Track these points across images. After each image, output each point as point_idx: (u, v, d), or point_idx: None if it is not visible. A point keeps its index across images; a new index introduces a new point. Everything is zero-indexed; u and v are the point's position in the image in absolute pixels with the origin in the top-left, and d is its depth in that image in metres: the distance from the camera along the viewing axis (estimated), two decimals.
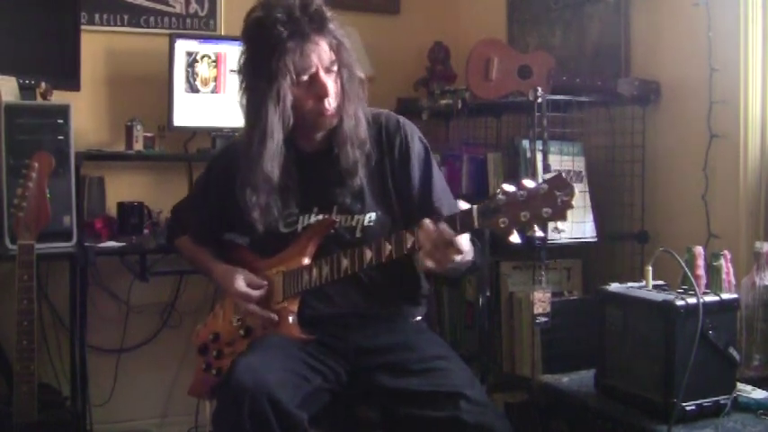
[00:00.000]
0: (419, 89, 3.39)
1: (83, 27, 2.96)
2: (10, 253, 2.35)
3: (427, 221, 1.64)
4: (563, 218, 1.51)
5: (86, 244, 2.68)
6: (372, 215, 1.92)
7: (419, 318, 2.04)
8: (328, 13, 1.82)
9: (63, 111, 2.54)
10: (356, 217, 1.92)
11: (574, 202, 1.49)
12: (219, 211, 2.06)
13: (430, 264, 1.65)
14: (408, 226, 1.77)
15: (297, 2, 1.78)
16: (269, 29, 1.77)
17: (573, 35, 2.93)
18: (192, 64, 3.06)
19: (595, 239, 2.61)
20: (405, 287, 2.00)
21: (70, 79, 2.87)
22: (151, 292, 3.17)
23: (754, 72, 2.31)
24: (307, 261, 1.90)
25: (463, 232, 1.61)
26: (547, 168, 2.50)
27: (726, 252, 2.09)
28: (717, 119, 2.37)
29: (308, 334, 1.89)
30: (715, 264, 2.06)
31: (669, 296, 1.85)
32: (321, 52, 1.80)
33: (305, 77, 1.81)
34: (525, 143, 2.60)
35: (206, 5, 3.27)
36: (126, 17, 3.15)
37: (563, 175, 1.56)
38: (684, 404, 1.79)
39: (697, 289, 1.85)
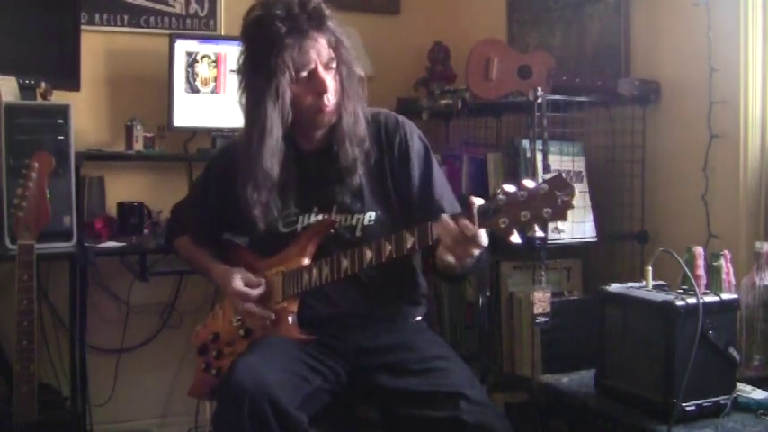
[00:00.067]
0: (419, 89, 3.39)
1: (83, 27, 2.96)
2: (10, 253, 2.35)
3: (446, 217, 1.63)
4: (563, 218, 1.51)
5: (86, 244, 2.68)
6: (372, 214, 1.92)
7: (419, 318, 2.04)
8: (327, 11, 1.82)
9: (63, 111, 2.54)
10: (356, 216, 1.92)
11: (574, 203, 1.49)
12: (219, 211, 2.06)
13: (450, 258, 1.65)
14: (409, 225, 1.77)
15: (296, 0, 1.79)
16: (267, 25, 1.77)
17: (573, 35, 2.93)
18: (191, 64, 3.06)
19: (595, 239, 2.61)
20: (404, 287, 2.00)
21: (70, 79, 2.87)
22: (151, 292, 3.17)
23: (754, 72, 2.31)
24: (306, 261, 1.90)
25: (483, 226, 1.59)
26: (547, 168, 2.50)
27: (726, 252, 2.09)
28: (717, 119, 2.37)
29: (307, 334, 1.89)
30: (715, 264, 2.06)
31: (669, 296, 1.85)
32: (320, 49, 1.81)
33: (304, 74, 1.81)
34: (525, 143, 2.60)
35: (206, 5, 3.27)
36: (126, 17, 3.15)
37: (563, 175, 1.56)
38: (684, 404, 1.78)
39: (697, 289, 1.85)
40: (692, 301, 1.81)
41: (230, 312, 2.06)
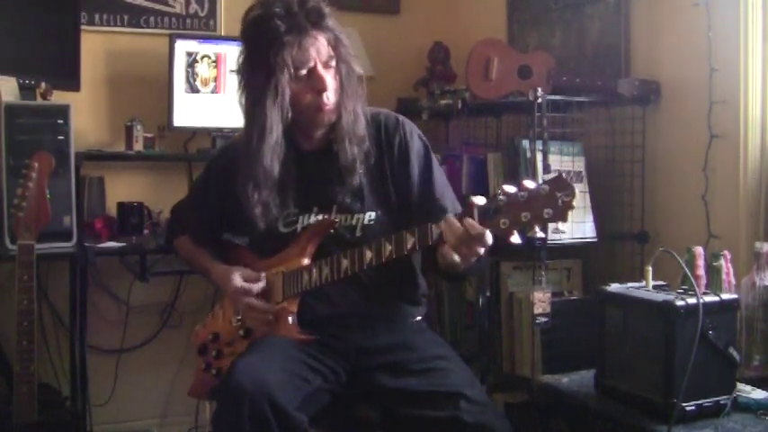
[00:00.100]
0: (419, 89, 3.39)
1: (83, 27, 2.96)
2: (10, 253, 2.35)
3: (451, 216, 1.63)
4: (564, 219, 1.51)
5: (86, 244, 2.68)
6: (372, 214, 1.92)
7: (419, 318, 2.04)
8: (326, 9, 1.82)
9: (63, 111, 2.54)
10: (356, 216, 1.92)
11: (575, 203, 1.49)
12: (219, 211, 2.06)
13: (455, 257, 1.66)
14: (409, 225, 1.77)
15: None
16: (267, 23, 1.78)
17: (573, 35, 2.93)
18: (191, 64, 3.06)
19: (595, 239, 2.61)
20: (404, 287, 2.00)
21: (70, 79, 2.87)
22: (151, 292, 3.17)
23: (754, 72, 2.31)
24: (306, 261, 1.90)
25: (483, 226, 1.59)
26: (547, 168, 2.50)
27: (726, 252, 2.09)
28: (717, 119, 2.37)
29: (307, 334, 1.89)
30: (715, 264, 2.06)
31: (669, 296, 1.85)
32: (319, 47, 1.81)
33: (303, 72, 1.81)
34: (525, 143, 2.60)
35: (206, 5, 3.27)
36: (126, 17, 3.15)
37: (563, 175, 1.56)
38: (684, 404, 1.79)
39: (697, 289, 1.85)
40: (692, 301, 1.81)
41: (230, 312, 2.06)
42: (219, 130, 3.10)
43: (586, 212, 2.60)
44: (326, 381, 1.85)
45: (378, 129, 1.95)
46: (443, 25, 3.57)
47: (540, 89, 2.49)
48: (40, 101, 2.66)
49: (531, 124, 2.51)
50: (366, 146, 1.90)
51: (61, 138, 2.52)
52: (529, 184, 1.54)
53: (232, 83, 2.97)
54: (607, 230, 2.66)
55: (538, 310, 2.46)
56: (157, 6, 3.20)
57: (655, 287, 1.95)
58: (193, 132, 3.18)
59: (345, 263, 1.81)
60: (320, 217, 1.92)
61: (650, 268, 1.98)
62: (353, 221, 1.92)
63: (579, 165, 2.64)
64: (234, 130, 2.95)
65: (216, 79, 3.10)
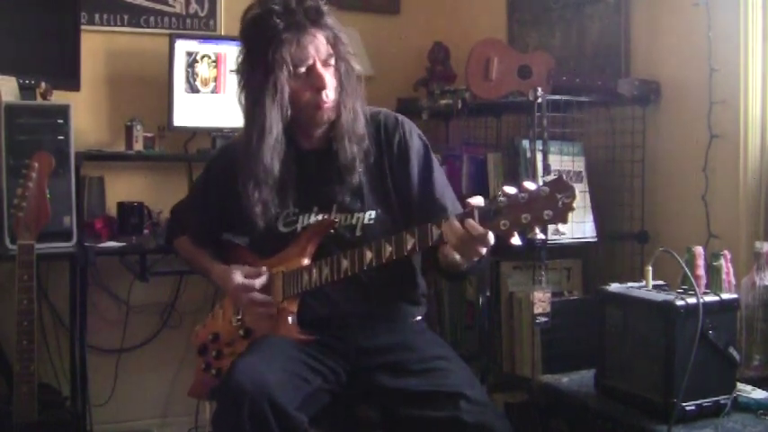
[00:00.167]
0: (419, 89, 3.39)
1: (83, 27, 2.96)
2: (10, 253, 2.35)
3: (452, 217, 1.62)
4: (564, 220, 1.51)
5: (86, 244, 2.68)
6: (372, 213, 1.92)
7: (419, 317, 2.04)
8: (325, 8, 1.82)
9: (63, 111, 2.54)
10: (356, 215, 1.92)
11: (575, 205, 1.49)
12: (219, 211, 2.06)
13: (457, 257, 1.66)
14: (409, 224, 1.77)
15: None
16: (265, 21, 1.78)
17: (573, 35, 2.93)
18: (191, 64, 3.06)
19: (595, 239, 2.61)
20: (404, 287, 2.00)
21: (70, 79, 2.87)
22: (151, 292, 3.17)
23: (754, 72, 2.31)
24: (306, 261, 1.90)
25: (485, 227, 1.58)
26: (547, 168, 2.50)
27: (726, 252, 2.09)
28: (717, 119, 2.37)
29: (307, 335, 1.89)
30: (715, 264, 2.06)
31: (669, 296, 1.85)
32: (318, 44, 1.81)
33: (302, 69, 1.81)
34: (525, 143, 2.60)
35: (206, 5, 3.27)
36: (126, 17, 3.15)
37: (564, 177, 1.56)
38: (684, 404, 1.79)
39: (697, 289, 1.85)
40: (692, 301, 1.81)
41: (230, 312, 2.06)
42: (219, 130, 3.10)
43: (586, 212, 2.60)
44: (326, 381, 1.85)
45: (377, 128, 1.95)
46: (443, 25, 3.57)
47: (540, 89, 2.49)
48: (40, 101, 2.66)
49: (531, 124, 2.51)
50: (366, 144, 1.90)
51: (61, 138, 2.52)
52: (529, 185, 1.53)
53: (232, 83, 2.97)
54: (607, 230, 2.66)
55: (538, 309, 2.46)
56: (157, 6, 3.20)
57: (655, 287, 1.95)
58: (193, 132, 3.18)
59: (345, 263, 1.81)
60: (320, 217, 1.92)
61: (650, 268, 1.98)
62: (353, 221, 1.92)
63: (579, 165, 2.64)
64: (234, 129, 2.95)
65: (216, 79, 3.10)
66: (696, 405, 1.80)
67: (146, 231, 2.94)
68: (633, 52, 2.69)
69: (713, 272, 2.06)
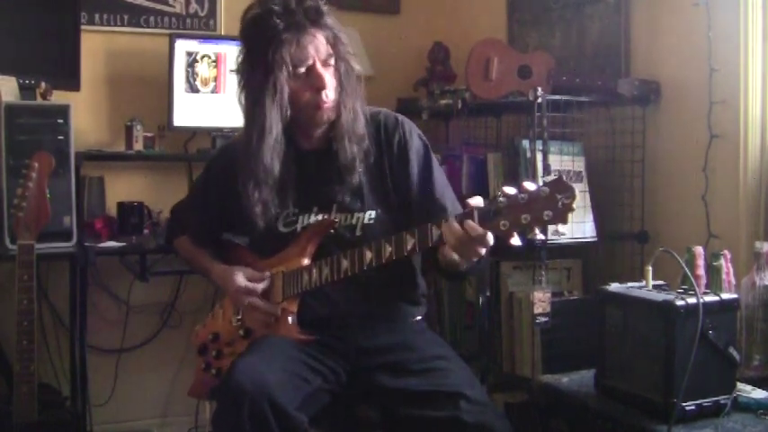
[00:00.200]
0: (419, 89, 3.39)
1: (83, 27, 2.96)
2: (10, 253, 2.35)
3: (451, 218, 1.62)
4: (564, 221, 1.51)
5: (86, 244, 2.68)
6: (372, 213, 1.92)
7: (419, 317, 2.04)
8: (324, 8, 1.82)
9: (63, 111, 2.54)
10: (356, 215, 1.92)
11: (575, 206, 1.49)
12: (219, 211, 2.06)
13: (456, 256, 1.66)
14: (409, 224, 1.77)
15: None
16: (265, 21, 1.78)
17: (573, 35, 2.93)
18: (191, 64, 3.06)
19: (595, 239, 2.61)
20: (404, 287, 2.00)
21: (70, 79, 2.87)
22: (151, 292, 3.17)
23: (754, 72, 2.31)
24: (306, 261, 1.90)
25: (485, 228, 1.59)
26: (547, 168, 2.50)
27: (726, 252, 2.09)
28: (717, 119, 2.37)
29: (307, 335, 1.89)
30: (715, 264, 2.06)
31: (669, 296, 1.85)
32: (318, 44, 1.81)
33: (302, 69, 1.81)
34: (525, 143, 2.60)
35: (206, 5, 3.26)
36: (126, 17, 3.15)
37: (564, 177, 1.56)
38: (684, 404, 1.79)
39: (697, 289, 1.85)
40: (692, 300, 1.81)
41: (230, 312, 2.05)
42: (219, 129, 3.10)
43: (586, 212, 2.60)
44: (326, 381, 1.85)
45: (377, 128, 1.95)
46: (443, 25, 3.57)
47: (540, 89, 2.49)
48: (40, 101, 2.66)
49: (531, 124, 2.51)
50: (366, 144, 1.90)
51: (61, 138, 2.52)
52: (529, 185, 1.53)
53: (232, 83, 2.97)
54: (607, 230, 2.66)
55: (538, 309, 2.46)
56: (157, 6, 3.20)
57: (655, 287, 1.95)
58: (193, 132, 3.18)
59: (345, 263, 1.81)
60: (320, 217, 1.92)
61: (650, 268, 1.98)
62: (353, 221, 1.92)
63: (579, 165, 2.64)
64: (234, 129, 2.95)
65: (216, 79, 3.10)
66: (696, 405, 1.81)
67: (146, 231, 2.94)
68: (633, 52, 2.69)
69: (713, 272, 2.06)
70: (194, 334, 2.16)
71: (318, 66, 1.82)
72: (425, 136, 2.00)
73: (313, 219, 1.93)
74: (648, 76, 2.59)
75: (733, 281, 2.07)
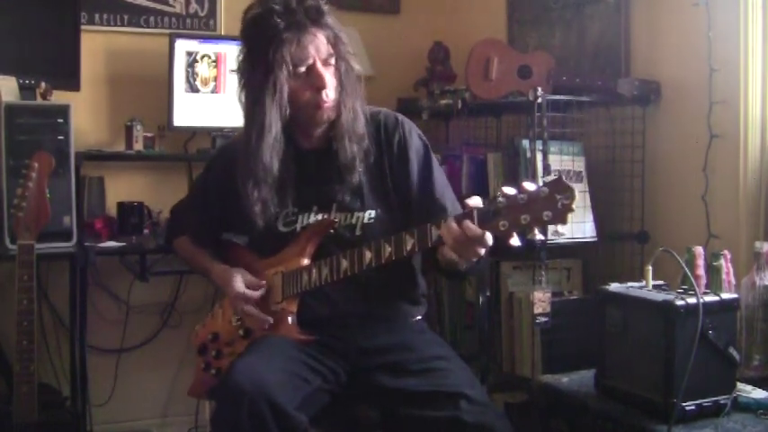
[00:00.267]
0: (419, 89, 3.39)
1: (83, 27, 2.96)
2: (10, 253, 2.35)
3: (450, 219, 1.62)
4: (563, 221, 1.50)
5: (86, 244, 2.68)
6: (372, 212, 1.92)
7: (419, 317, 2.04)
8: (325, 7, 1.83)
9: (63, 111, 2.54)
10: (356, 214, 1.92)
11: (574, 206, 1.49)
12: (219, 210, 2.06)
13: (455, 257, 1.66)
14: (409, 223, 1.77)
15: None
16: (266, 21, 1.78)
17: (573, 35, 2.93)
18: (191, 64, 3.06)
19: (595, 239, 2.61)
20: (403, 287, 2.00)
21: (70, 79, 2.87)
22: (151, 292, 3.17)
23: (754, 72, 2.31)
24: (306, 262, 1.90)
25: (482, 229, 1.58)
26: (547, 168, 2.50)
27: (726, 252, 2.09)
28: (717, 119, 2.37)
29: (307, 335, 1.89)
30: (715, 264, 2.06)
31: (669, 296, 1.85)
32: (319, 44, 1.81)
33: (302, 69, 1.82)
34: (525, 143, 2.60)
35: (206, 5, 3.27)
36: (126, 17, 3.15)
37: (563, 178, 1.56)
38: (684, 404, 1.79)
39: (697, 289, 1.85)
40: (692, 300, 1.81)
41: (230, 312, 2.06)
42: (219, 129, 3.10)
43: (586, 212, 2.60)
44: (326, 381, 1.85)
45: (377, 127, 1.95)
46: (443, 25, 3.57)
47: (540, 89, 2.49)
48: (40, 101, 2.66)
49: (531, 124, 2.51)
50: (366, 144, 1.90)
51: (61, 138, 2.52)
52: (528, 186, 1.53)
53: (232, 83, 2.97)
54: (607, 230, 2.66)
55: (538, 309, 2.46)
56: (157, 6, 3.20)
57: (655, 287, 1.95)
58: (193, 132, 3.18)
59: (345, 263, 1.81)
60: (320, 216, 1.92)
61: (650, 268, 1.98)
62: (353, 220, 1.92)
63: (579, 165, 2.64)
64: (234, 129, 2.95)
65: (216, 79, 3.10)
66: (696, 405, 1.81)
67: (146, 231, 2.94)
68: (633, 52, 2.69)
69: (713, 272, 2.06)
70: (194, 334, 2.16)
71: (319, 65, 1.82)
72: (425, 136, 2.00)
73: (312, 218, 1.93)
74: (648, 76, 2.59)
75: (733, 281, 2.07)
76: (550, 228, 2.43)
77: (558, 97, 2.54)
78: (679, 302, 1.80)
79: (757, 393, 1.91)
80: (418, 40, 3.49)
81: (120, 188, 3.09)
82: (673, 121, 2.55)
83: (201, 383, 2.11)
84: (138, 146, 3.03)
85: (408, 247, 1.71)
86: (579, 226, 2.57)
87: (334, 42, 1.84)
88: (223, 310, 2.09)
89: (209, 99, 3.09)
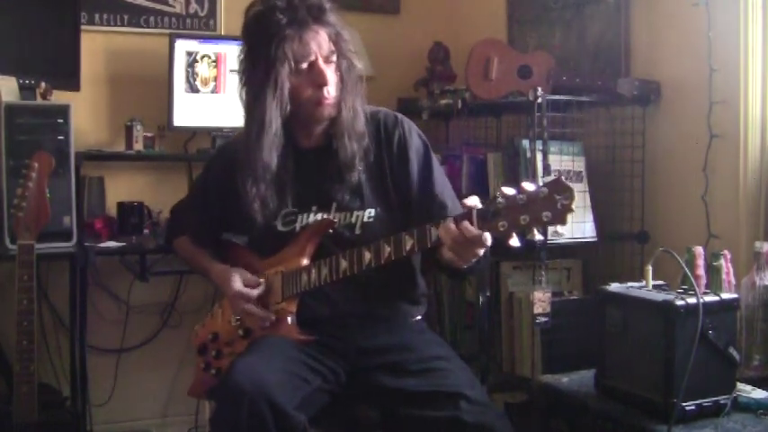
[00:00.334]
0: (419, 89, 3.39)
1: (83, 27, 2.96)
2: (10, 253, 2.35)
3: (449, 220, 1.62)
4: (563, 222, 1.50)
5: (86, 244, 2.68)
6: (372, 211, 1.92)
7: (419, 317, 2.04)
8: (327, 5, 1.83)
9: (63, 111, 2.54)
10: (355, 213, 1.92)
11: (574, 206, 1.49)
12: (219, 210, 2.06)
13: (453, 257, 1.66)
14: (409, 222, 1.77)
15: None
16: (268, 17, 1.79)
17: (573, 35, 2.93)
18: (191, 64, 3.06)
19: (595, 239, 2.61)
20: (403, 286, 2.00)
21: (70, 79, 2.87)
22: (151, 292, 3.17)
23: (754, 72, 2.31)
24: (305, 262, 1.90)
25: (482, 229, 1.58)
26: (547, 168, 2.50)
27: (726, 252, 2.09)
28: (717, 119, 2.37)
29: (306, 335, 1.89)
30: (715, 264, 2.06)
31: (669, 296, 1.85)
32: (320, 41, 1.81)
33: (304, 65, 1.82)
34: (525, 143, 2.60)
35: (206, 5, 3.26)
36: (126, 17, 3.15)
37: (563, 178, 1.56)
38: (684, 404, 1.79)
39: (697, 289, 1.85)
40: (692, 300, 1.81)
41: (229, 312, 2.05)
42: (219, 129, 3.10)
43: (586, 212, 2.60)
44: (326, 381, 1.85)
45: (377, 127, 1.95)
46: (443, 25, 3.57)
47: (540, 89, 2.49)
48: (40, 101, 2.66)
49: (531, 124, 2.51)
50: (365, 142, 1.90)
51: (61, 138, 2.52)
52: (528, 186, 1.53)
53: (232, 83, 2.99)
54: (607, 230, 2.66)
55: (538, 310, 2.46)
56: (157, 6, 3.20)
57: (655, 287, 1.95)
58: (193, 132, 3.18)
59: (344, 264, 1.81)
60: (319, 216, 1.92)
61: (650, 268, 1.98)
62: (353, 219, 1.92)
63: (579, 165, 2.64)
64: (234, 129, 2.95)
65: (216, 79, 3.10)
66: (696, 405, 1.81)
67: (146, 231, 2.94)
68: (633, 52, 2.69)
69: (713, 272, 2.06)
70: (194, 334, 2.16)
71: (320, 62, 1.83)
72: (425, 136, 2.00)
73: (312, 218, 1.93)
74: (648, 76, 2.59)
75: (733, 281, 2.07)
76: (550, 228, 2.43)
77: (557, 97, 2.54)
78: (679, 302, 1.80)
79: (757, 393, 1.91)
80: (418, 40, 3.49)
81: (120, 188, 3.09)
82: (673, 121, 2.55)
83: (201, 383, 2.11)
84: (138, 146, 3.03)
85: (408, 248, 1.71)
86: (579, 226, 2.57)
87: (336, 40, 1.84)
88: (223, 310, 2.09)
89: (209, 99, 3.09)
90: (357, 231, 1.91)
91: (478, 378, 2.52)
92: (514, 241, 1.56)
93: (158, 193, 3.10)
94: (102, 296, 3.14)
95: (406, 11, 3.63)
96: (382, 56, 3.41)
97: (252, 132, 1.85)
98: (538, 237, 1.58)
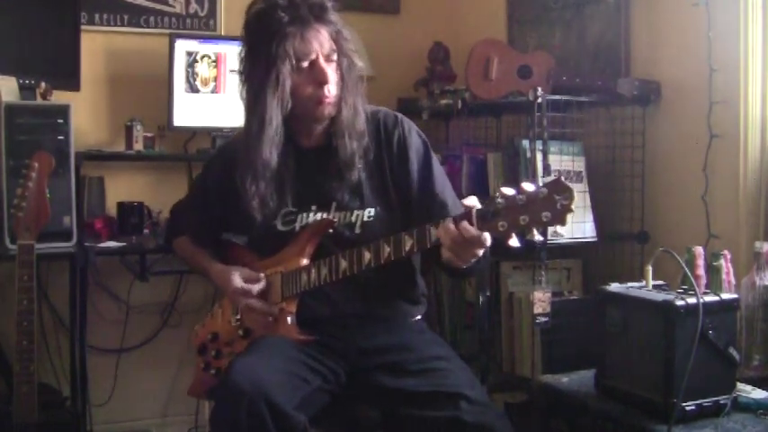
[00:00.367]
0: (419, 89, 3.39)
1: (83, 27, 2.96)
2: (10, 253, 2.35)
3: (448, 220, 1.62)
4: (563, 222, 1.50)
5: (86, 244, 2.68)
6: (372, 210, 1.92)
7: (418, 317, 2.04)
8: (329, 3, 1.83)
9: (63, 111, 2.54)
10: (355, 212, 1.92)
11: (573, 207, 1.49)
12: (219, 210, 2.06)
13: (452, 257, 1.66)
14: (409, 221, 1.77)
15: None
16: (269, 15, 1.79)
17: (573, 35, 2.93)
18: (191, 64, 3.06)
19: (595, 239, 2.61)
20: (403, 286, 2.00)
21: (70, 79, 2.87)
22: (151, 292, 3.17)
23: (754, 72, 2.31)
24: (305, 262, 1.90)
25: (481, 230, 1.58)
26: (547, 168, 2.50)
27: (726, 252, 2.09)
28: (717, 119, 2.37)
29: (306, 335, 1.89)
30: (715, 264, 2.06)
31: (669, 296, 1.85)
32: (322, 39, 1.82)
33: (305, 63, 1.82)
34: (525, 143, 2.60)
35: (206, 5, 3.27)
36: (126, 17, 3.15)
37: (562, 178, 1.56)
38: (684, 404, 1.79)
39: (697, 289, 1.85)
40: (692, 301, 1.81)
41: (229, 312, 2.05)
42: (219, 129, 3.10)
43: (586, 212, 2.60)
44: (326, 381, 1.85)
45: (377, 126, 1.95)
46: (443, 25, 3.57)
47: (540, 89, 2.49)
48: (40, 101, 2.66)
49: (531, 124, 2.51)
50: (365, 141, 1.90)
51: (61, 138, 2.52)
52: (527, 186, 1.53)
53: (232, 83, 2.99)
54: (607, 230, 2.66)
55: (538, 310, 2.46)
56: (157, 6, 3.20)
57: (655, 287, 1.95)
58: (193, 132, 3.18)
59: (344, 264, 1.81)
60: (319, 215, 1.92)
61: (650, 268, 1.98)
62: (353, 218, 1.92)
63: (579, 165, 2.64)
64: (234, 129, 2.95)
65: (216, 79, 3.11)
66: (696, 405, 1.81)
67: (146, 231, 2.94)
68: (633, 52, 2.69)
69: (713, 272, 2.06)
70: (194, 334, 2.16)
71: (321, 60, 1.83)
72: (425, 136, 2.00)
73: (312, 217, 1.92)
74: (648, 76, 2.59)
75: (733, 281, 2.07)
76: (550, 228, 2.43)
77: (557, 97, 2.54)
78: (679, 302, 1.80)
79: (757, 393, 1.91)
80: (418, 40, 3.49)
81: (120, 188, 3.09)
82: (673, 121, 2.55)
83: (201, 383, 2.11)
84: (138, 146, 3.03)
85: (407, 248, 1.71)
86: (579, 226, 2.57)
87: (337, 38, 1.85)
88: (222, 310, 2.09)
89: (209, 99, 3.09)
90: (357, 231, 1.91)
91: (478, 378, 2.52)
92: (514, 241, 1.56)
93: (158, 193, 3.10)
94: (102, 296, 3.14)
95: (406, 11, 3.63)
96: (382, 56, 3.41)
97: (252, 130, 1.85)
98: (538, 237, 1.57)
